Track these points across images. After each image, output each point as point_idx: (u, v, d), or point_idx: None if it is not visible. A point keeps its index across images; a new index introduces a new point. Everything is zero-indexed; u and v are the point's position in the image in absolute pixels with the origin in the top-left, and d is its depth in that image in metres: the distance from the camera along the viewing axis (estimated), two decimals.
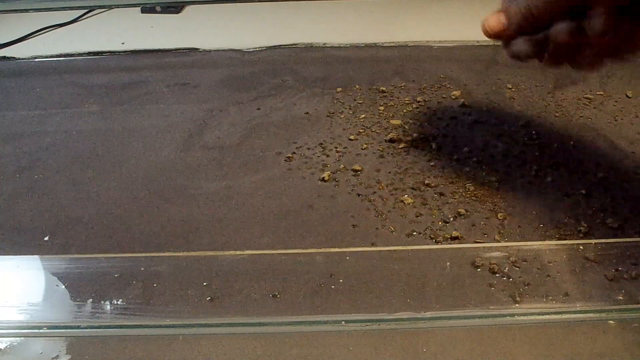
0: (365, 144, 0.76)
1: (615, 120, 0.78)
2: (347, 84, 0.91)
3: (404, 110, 0.83)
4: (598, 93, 0.85)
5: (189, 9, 1.25)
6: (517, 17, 0.54)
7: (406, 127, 0.79)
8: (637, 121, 0.78)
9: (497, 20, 0.56)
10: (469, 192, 0.66)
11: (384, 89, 0.88)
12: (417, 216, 0.64)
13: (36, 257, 0.60)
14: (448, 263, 0.57)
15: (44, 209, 0.67)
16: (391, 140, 0.76)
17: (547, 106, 0.82)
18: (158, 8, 1.22)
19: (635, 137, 0.75)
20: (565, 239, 0.59)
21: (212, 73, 0.96)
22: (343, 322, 0.52)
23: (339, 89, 0.89)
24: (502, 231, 0.61)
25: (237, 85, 0.92)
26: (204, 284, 0.56)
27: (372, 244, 0.60)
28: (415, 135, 0.77)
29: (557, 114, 0.80)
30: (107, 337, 0.52)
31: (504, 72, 0.92)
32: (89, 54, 1.05)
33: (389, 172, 0.71)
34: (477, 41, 1.02)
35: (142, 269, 0.58)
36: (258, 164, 0.74)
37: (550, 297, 0.53)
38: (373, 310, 0.53)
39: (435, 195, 0.66)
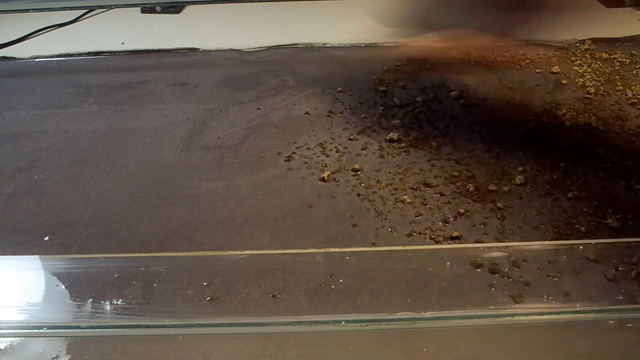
0: (365, 144, 0.76)
1: (616, 120, 0.78)
2: (347, 84, 0.91)
3: (404, 110, 0.83)
4: (598, 93, 0.85)
5: (189, 9, 1.25)
6: None
7: (406, 127, 0.79)
8: (637, 121, 0.78)
9: None
10: (469, 192, 0.66)
11: (384, 89, 0.88)
12: (417, 216, 0.64)
13: (36, 257, 0.61)
14: (448, 263, 0.57)
15: (44, 209, 0.67)
16: (391, 140, 0.76)
17: (547, 106, 0.82)
18: (158, 8, 1.22)
19: (634, 136, 0.75)
20: (565, 239, 0.60)
21: (212, 73, 0.96)
22: (343, 322, 0.52)
23: (339, 89, 0.89)
24: (502, 231, 0.61)
25: (237, 85, 0.92)
26: (204, 284, 0.56)
27: (372, 244, 0.60)
28: (415, 135, 0.77)
29: (557, 114, 0.80)
30: (107, 337, 0.52)
31: (504, 72, 0.92)
32: (89, 54, 1.05)
33: (389, 172, 0.71)
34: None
35: (142, 269, 0.58)
36: (258, 164, 0.74)
37: (550, 297, 0.53)
38: (373, 310, 0.53)
39: (435, 195, 0.66)
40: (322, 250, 0.59)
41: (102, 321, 0.53)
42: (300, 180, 0.70)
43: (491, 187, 0.66)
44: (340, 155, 0.74)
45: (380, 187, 0.68)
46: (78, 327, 0.52)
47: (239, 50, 1.04)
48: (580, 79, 0.88)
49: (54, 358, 0.49)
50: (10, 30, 1.14)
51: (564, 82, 0.88)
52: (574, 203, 0.64)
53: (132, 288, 0.55)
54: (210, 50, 1.04)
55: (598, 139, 0.74)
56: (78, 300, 0.55)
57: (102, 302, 0.54)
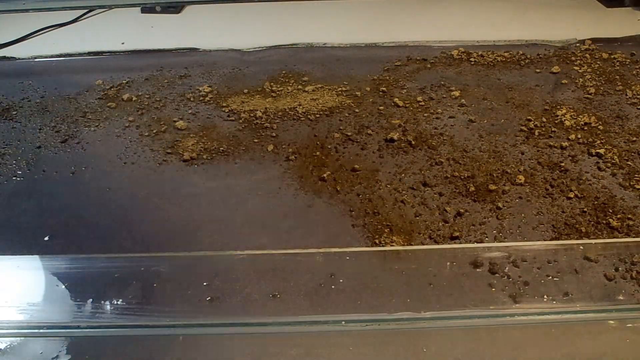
0: (365, 143, 0.76)
1: (616, 119, 0.78)
2: (348, 84, 0.91)
3: (404, 111, 0.83)
4: (598, 93, 0.85)
5: (189, 9, 1.25)
6: None
7: (406, 127, 0.79)
8: (637, 121, 0.78)
9: None
10: (469, 192, 0.66)
11: (384, 89, 0.88)
12: (417, 216, 0.64)
13: (36, 257, 0.61)
14: (448, 263, 0.57)
15: (44, 209, 0.67)
16: (391, 140, 0.76)
17: (547, 106, 0.82)
18: (158, 8, 1.22)
19: (634, 136, 0.75)
20: (565, 239, 0.60)
21: (212, 73, 0.96)
22: (343, 322, 0.52)
23: (339, 88, 0.89)
24: (501, 231, 0.61)
25: (237, 85, 0.92)
26: (204, 284, 0.56)
27: (372, 244, 0.60)
28: (415, 135, 0.77)
29: (557, 114, 0.80)
30: (107, 337, 0.52)
31: (503, 72, 0.92)
32: (89, 54, 1.05)
33: (389, 172, 0.71)
34: (477, 41, 1.02)
35: (142, 269, 0.58)
36: (258, 164, 0.74)
37: (550, 297, 0.53)
38: (373, 310, 0.53)
39: (435, 195, 0.66)
40: (322, 250, 0.59)
41: (102, 321, 0.53)
42: (300, 180, 0.70)
43: (491, 187, 0.66)
44: (340, 155, 0.74)
45: (380, 187, 0.68)
46: (78, 327, 0.52)
47: (239, 50, 1.04)
48: (580, 79, 0.89)
49: (54, 358, 0.49)
50: (10, 30, 1.14)
51: (564, 82, 0.88)
52: (574, 203, 0.64)
53: (132, 288, 0.55)
54: (210, 50, 1.04)
55: (598, 139, 0.74)
56: (78, 300, 0.55)
57: (102, 302, 0.54)
